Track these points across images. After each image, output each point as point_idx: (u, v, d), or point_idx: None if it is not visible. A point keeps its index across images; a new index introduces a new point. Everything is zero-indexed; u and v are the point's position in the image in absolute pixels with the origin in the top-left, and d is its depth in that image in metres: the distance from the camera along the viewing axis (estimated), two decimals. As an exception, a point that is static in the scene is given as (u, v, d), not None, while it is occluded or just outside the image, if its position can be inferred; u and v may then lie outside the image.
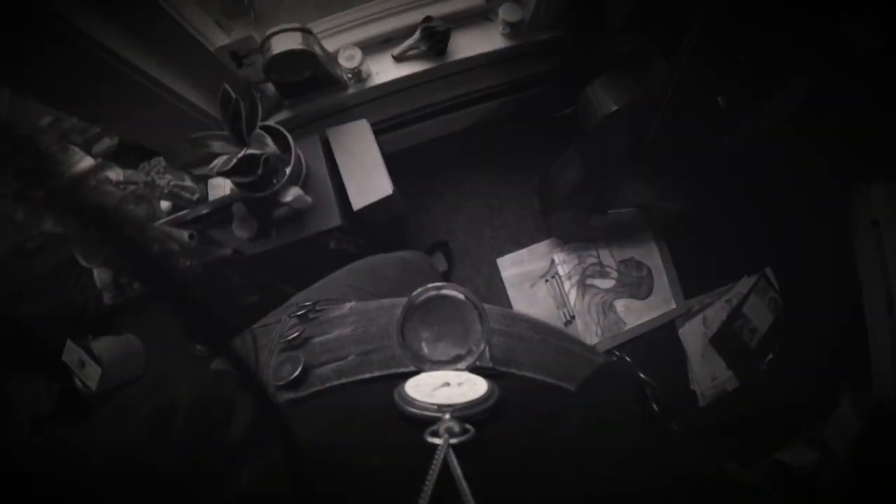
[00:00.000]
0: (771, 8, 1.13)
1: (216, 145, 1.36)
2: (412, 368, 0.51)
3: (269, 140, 1.34)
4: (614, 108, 1.46)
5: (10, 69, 1.07)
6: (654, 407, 0.61)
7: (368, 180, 1.53)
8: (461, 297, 0.52)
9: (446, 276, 2.07)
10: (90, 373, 1.81)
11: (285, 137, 1.45)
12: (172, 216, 1.60)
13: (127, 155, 1.69)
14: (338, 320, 0.63)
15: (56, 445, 0.40)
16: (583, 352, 0.64)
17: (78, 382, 1.82)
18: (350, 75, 1.56)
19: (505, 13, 1.55)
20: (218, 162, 1.32)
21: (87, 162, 1.69)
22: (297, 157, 1.45)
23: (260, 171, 1.35)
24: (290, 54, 1.39)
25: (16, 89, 1.21)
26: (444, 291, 0.53)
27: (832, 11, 1.49)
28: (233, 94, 1.32)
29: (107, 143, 1.73)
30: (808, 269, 2.10)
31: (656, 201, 1.83)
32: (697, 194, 1.79)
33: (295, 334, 0.59)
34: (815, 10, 1.33)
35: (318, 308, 0.67)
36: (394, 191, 1.54)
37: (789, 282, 2.12)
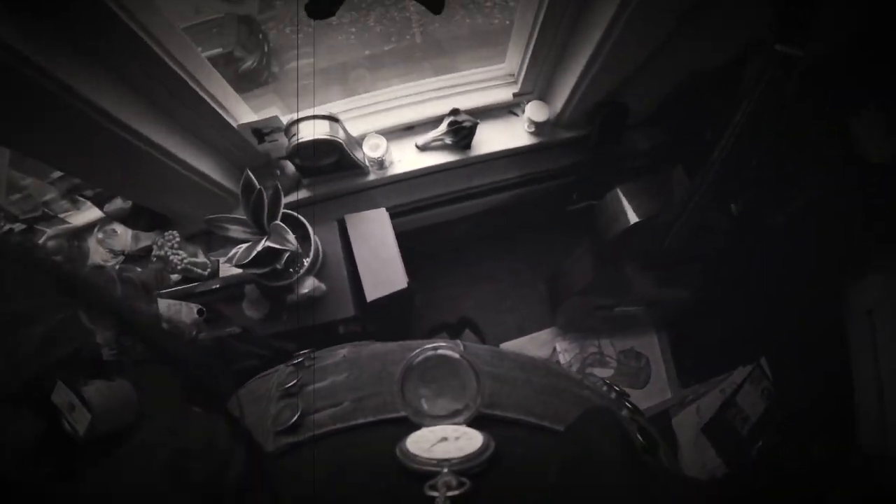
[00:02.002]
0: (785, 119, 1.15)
1: (233, 230, 1.35)
2: (403, 414, 0.53)
3: (290, 235, 1.32)
4: (636, 220, 1.48)
5: (21, 136, 1.05)
6: (640, 439, 0.62)
7: (384, 272, 1.52)
8: (456, 356, 0.54)
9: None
10: (79, 417, 1.77)
11: (305, 226, 1.44)
12: (182, 287, 1.57)
13: (139, 216, 1.66)
14: (332, 367, 0.66)
15: (79, 487, 0.42)
16: (569, 386, 0.66)
17: (66, 425, 1.78)
18: (373, 162, 1.56)
19: (531, 112, 1.56)
20: (236, 253, 1.30)
21: (94, 213, 1.66)
22: (317, 249, 1.44)
23: (279, 267, 1.34)
24: (316, 142, 1.39)
25: (25, 153, 1.19)
26: (441, 352, 0.55)
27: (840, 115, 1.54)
28: (256, 183, 1.30)
29: (119, 203, 1.70)
30: (802, 357, 2.14)
31: (665, 298, 1.85)
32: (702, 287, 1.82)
33: (292, 382, 0.63)
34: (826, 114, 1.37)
35: (313, 356, 0.70)
36: (408, 283, 1.53)
37: (783, 370, 2.16)
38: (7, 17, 0.82)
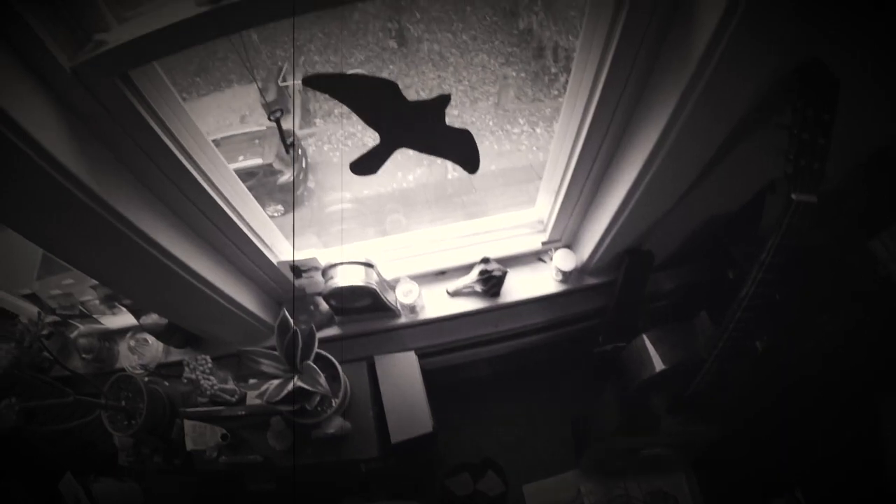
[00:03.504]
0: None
1: (266, 364, 1.38)
2: None
3: (321, 378, 1.35)
4: (662, 367, 1.49)
5: (69, 252, 1.09)
6: None
7: (410, 415, 1.54)
8: None
9: (502, 498, 2.05)
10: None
11: (335, 366, 1.47)
12: (208, 409, 1.59)
13: (173, 333, 1.71)
14: None
15: None
16: None
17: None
18: (404, 307, 1.61)
19: (559, 261, 1.61)
20: (267, 389, 1.33)
21: (128, 319, 1.71)
22: (346, 390, 1.47)
23: (308, 408, 1.37)
24: (351, 287, 1.45)
25: (75, 266, 1.25)
26: None
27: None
28: (292, 324, 1.35)
29: (155, 318, 1.76)
30: (840, 486, 2.03)
31: (692, 437, 1.82)
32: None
33: None
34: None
35: None
36: (434, 427, 1.54)
37: (821, 500, 2.04)
38: (76, 150, 0.90)
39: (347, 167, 0.99)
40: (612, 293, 1.69)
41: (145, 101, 0.96)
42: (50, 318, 1.69)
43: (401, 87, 0.83)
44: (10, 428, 1.32)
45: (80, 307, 1.71)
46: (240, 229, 1.34)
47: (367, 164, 0.97)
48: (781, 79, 0.98)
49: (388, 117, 0.88)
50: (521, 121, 5.21)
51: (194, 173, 1.13)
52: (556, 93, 5.46)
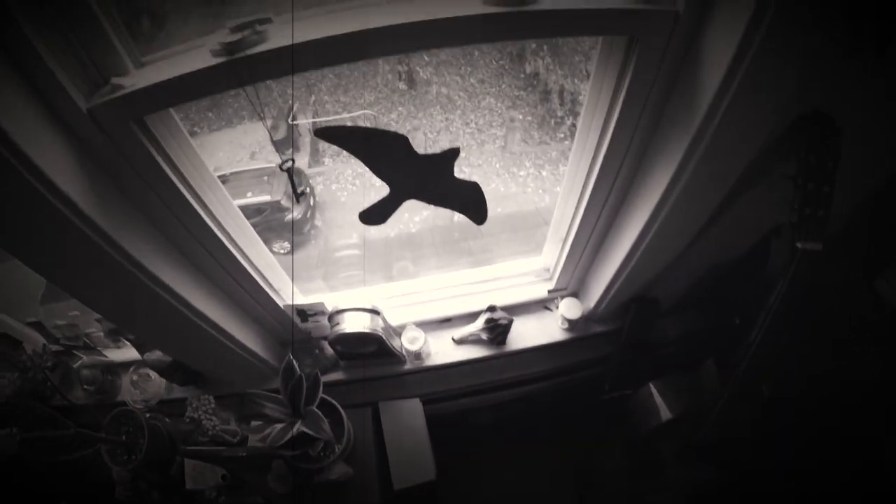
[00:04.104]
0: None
1: (270, 407, 1.38)
2: None
3: (325, 424, 1.34)
4: (669, 417, 1.48)
5: (76, 287, 1.11)
6: None
7: (413, 462, 1.53)
8: None
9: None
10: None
11: (339, 412, 1.46)
12: (209, 448, 1.58)
13: (176, 370, 1.70)
14: None
15: None
16: None
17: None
18: (410, 354, 1.61)
19: (565, 310, 1.61)
20: (270, 433, 1.32)
21: (132, 353, 1.70)
22: (349, 437, 1.46)
23: (312, 454, 1.36)
24: (357, 334, 1.45)
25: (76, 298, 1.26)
26: None
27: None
28: (297, 369, 1.35)
29: (159, 354, 1.76)
30: None
31: (699, 483, 1.79)
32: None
33: None
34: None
35: None
36: (436, 475, 1.52)
37: None
38: (86, 187, 0.92)
39: (357, 214, 1.01)
40: (618, 341, 1.69)
41: (158, 143, 0.98)
42: (54, 348, 1.69)
43: (409, 128, 0.85)
44: (9, 456, 1.32)
45: (85, 339, 1.71)
46: (247, 272, 1.35)
47: (376, 215, 0.99)
48: (784, 128, 1.00)
49: (398, 170, 0.90)
50: (528, 163, 5.27)
51: (203, 215, 1.14)
52: (561, 136, 5.53)
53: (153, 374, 1.73)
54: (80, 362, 1.72)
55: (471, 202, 0.97)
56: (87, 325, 1.70)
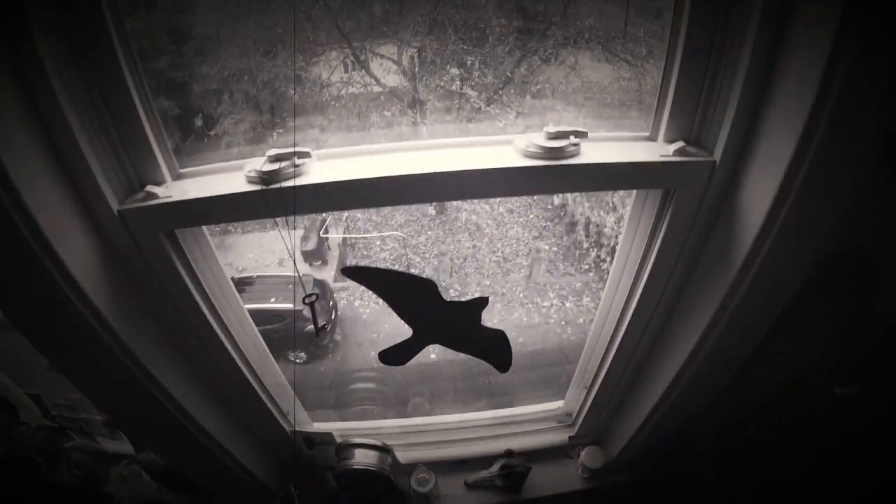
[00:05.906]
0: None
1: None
2: None
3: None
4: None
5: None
6: None
7: None
8: None
9: None
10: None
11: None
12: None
13: (169, 476, 1.62)
14: None
15: None
16: None
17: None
18: (418, 497, 1.52)
19: (587, 459, 1.53)
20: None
21: (126, 447, 1.63)
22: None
23: None
24: (364, 470, 1.38)
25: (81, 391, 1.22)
26: None
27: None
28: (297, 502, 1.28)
29: (153, 456, 1.69)
30: None
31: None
32: None
33: None
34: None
35: None
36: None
37: None
38: (107, 292, 0.89)
39: (377, 351, 0.98)
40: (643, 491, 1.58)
41: (184, 256, 0.98)
42: (48, 424, 1.63)
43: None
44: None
45: (82, 423, 1.67)
46: (255, 392, 1.32)
47: (396, 356, 0.96)
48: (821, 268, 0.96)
49: (424, 315, 0.88)
50: (552, 294, 5.27)
51: (217, 329, 1.12)
52: (586, 267, 5.56)
53: (145, 474, 1.66)
54: (72, 444, 1.67)
55: (495, 351, 0.94)
56: (86, 409, 1.66)
